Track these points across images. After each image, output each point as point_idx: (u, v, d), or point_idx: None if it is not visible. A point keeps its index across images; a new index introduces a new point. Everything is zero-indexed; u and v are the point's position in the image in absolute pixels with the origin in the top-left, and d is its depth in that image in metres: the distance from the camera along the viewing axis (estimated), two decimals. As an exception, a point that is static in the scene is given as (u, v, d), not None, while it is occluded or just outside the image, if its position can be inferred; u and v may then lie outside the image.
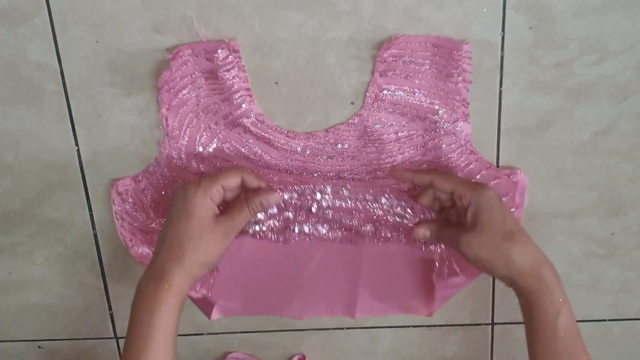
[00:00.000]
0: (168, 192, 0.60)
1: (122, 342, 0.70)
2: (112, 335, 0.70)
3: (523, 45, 0.55)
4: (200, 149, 0.59)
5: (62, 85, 0.57)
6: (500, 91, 0.57)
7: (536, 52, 0.55)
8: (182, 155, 0.59)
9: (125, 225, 0.62)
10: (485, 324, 0.67)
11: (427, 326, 0.68)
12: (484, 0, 0.53)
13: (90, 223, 0.63)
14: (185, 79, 0.56)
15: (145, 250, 0.63)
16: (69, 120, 0.59)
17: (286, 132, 0.58)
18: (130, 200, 0.61)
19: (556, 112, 0.57)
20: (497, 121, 0.58)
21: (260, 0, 0.53)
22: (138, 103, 0.58)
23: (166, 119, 0.57)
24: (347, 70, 0.56)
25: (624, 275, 0.64)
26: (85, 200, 0.62)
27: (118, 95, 0.57)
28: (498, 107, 0.57)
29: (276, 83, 0.57)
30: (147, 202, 0.61)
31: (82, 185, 0.62)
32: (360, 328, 0.68)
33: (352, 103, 0.57)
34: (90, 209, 0.63)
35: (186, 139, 0.58)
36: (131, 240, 0.62)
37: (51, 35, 0.55)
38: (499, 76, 0.56)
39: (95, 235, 0.64)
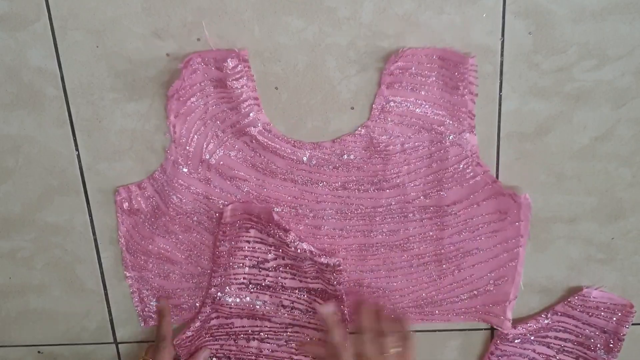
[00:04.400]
0: (172, 200, 0.60)
1: (121, 347, 0.70)
2: (112, 341, 0.70)
3: (522, 50, 0.55)
4: (207, 157, 0.59)
5: (62, 90, 0.57)
6: (500, 96, 0.57)
7: (535, 57, 0.55)
8: (189, 162, 0.59)
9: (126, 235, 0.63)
10: (485, 329, 0.67)
11: (427, 331, 0.67)
12: (484, 5, 0.53)
13: (90, 228, 0.63)
14: (194, 87, 0.56)
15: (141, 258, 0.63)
16: (70, 125, 0.59)
17: (293, 141, 0.58)
18: (135, 206, 0.61)
19: (555, 117, 0.58)
20: (496, 126, 0.58)
21: (261, 6, 0.54)
22: (139, 108, 0.58)
23: (174, 126, 0.57)
24: (347, 76, 0.56)
25: (624, 280, 0.64)
26: (85, 205, 0.62)
27: (118, 100, 0.58)
28: (498, 112, 0.57)
29: (276, 88, 0.57)
30: (150, 210, 0.61)
31: (82, 190, 0.62)
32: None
33: (352, 108, 0.57)
34: (90, 214, 0.63)
35: (193, 146, 0.58)
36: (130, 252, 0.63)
37: (52, 40, 0.56)
38: (498, 81, 0.56)
39: (95, 240, 0.64)
